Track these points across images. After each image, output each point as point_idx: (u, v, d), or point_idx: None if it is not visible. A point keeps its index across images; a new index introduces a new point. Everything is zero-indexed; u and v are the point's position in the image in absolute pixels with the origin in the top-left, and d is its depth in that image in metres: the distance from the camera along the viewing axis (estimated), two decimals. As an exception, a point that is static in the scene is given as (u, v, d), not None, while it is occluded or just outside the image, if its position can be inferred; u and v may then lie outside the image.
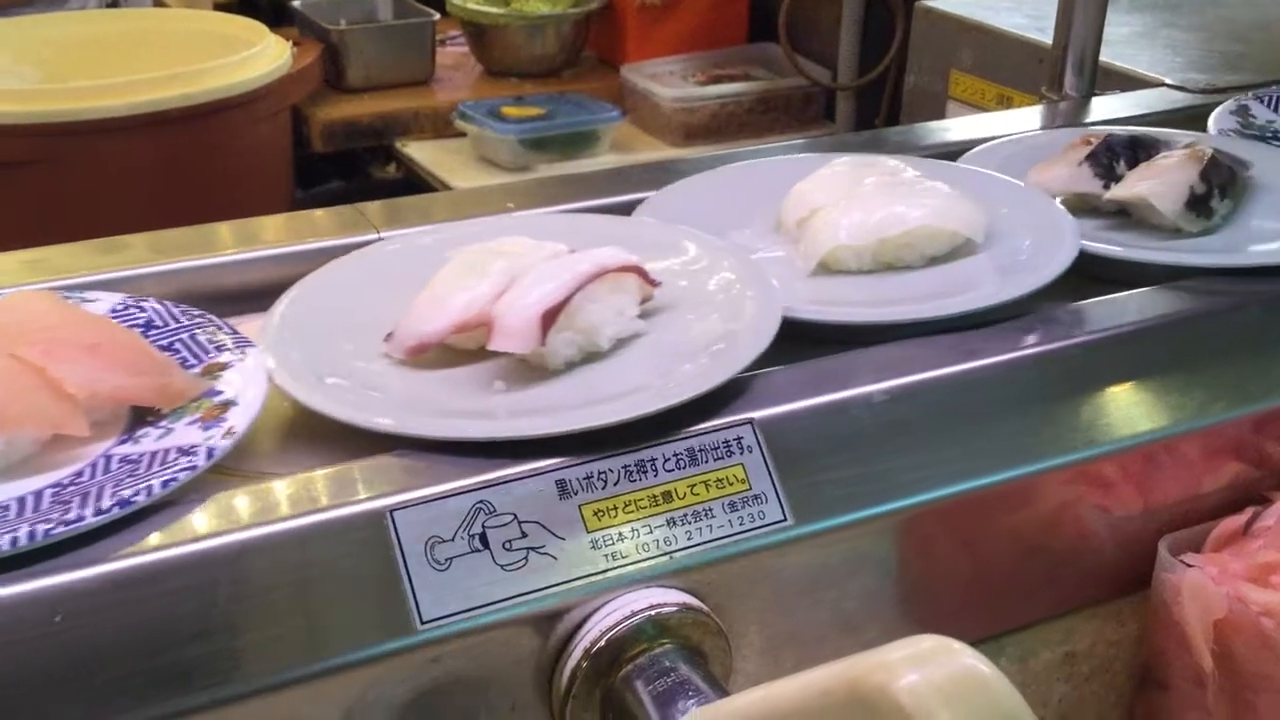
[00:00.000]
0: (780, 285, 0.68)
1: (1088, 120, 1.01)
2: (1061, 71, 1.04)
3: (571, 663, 0.52)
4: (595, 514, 0.54)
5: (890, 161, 0.82)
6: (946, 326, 0.66)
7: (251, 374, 0.58)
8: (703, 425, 0.57)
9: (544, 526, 0.53)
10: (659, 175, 0.85)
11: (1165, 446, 0.65)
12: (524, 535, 0.53)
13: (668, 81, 1.95)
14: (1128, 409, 0.66)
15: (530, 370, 0.62)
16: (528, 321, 0.60)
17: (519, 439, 0.55)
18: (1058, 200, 0.81)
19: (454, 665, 0.51)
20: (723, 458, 0.57)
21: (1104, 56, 1.07)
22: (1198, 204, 0.79)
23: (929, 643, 0.37)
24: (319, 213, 0.83)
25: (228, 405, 0.56)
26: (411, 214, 0.80)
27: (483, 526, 0.52)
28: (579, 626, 0.53)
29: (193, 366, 0.60)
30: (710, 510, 0.56)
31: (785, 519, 0.56)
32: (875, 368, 0.62)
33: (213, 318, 0.64)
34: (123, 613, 0.47)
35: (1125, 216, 0.81)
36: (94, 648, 0.46)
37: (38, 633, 0.45)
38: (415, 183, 1.82)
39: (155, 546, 0.48)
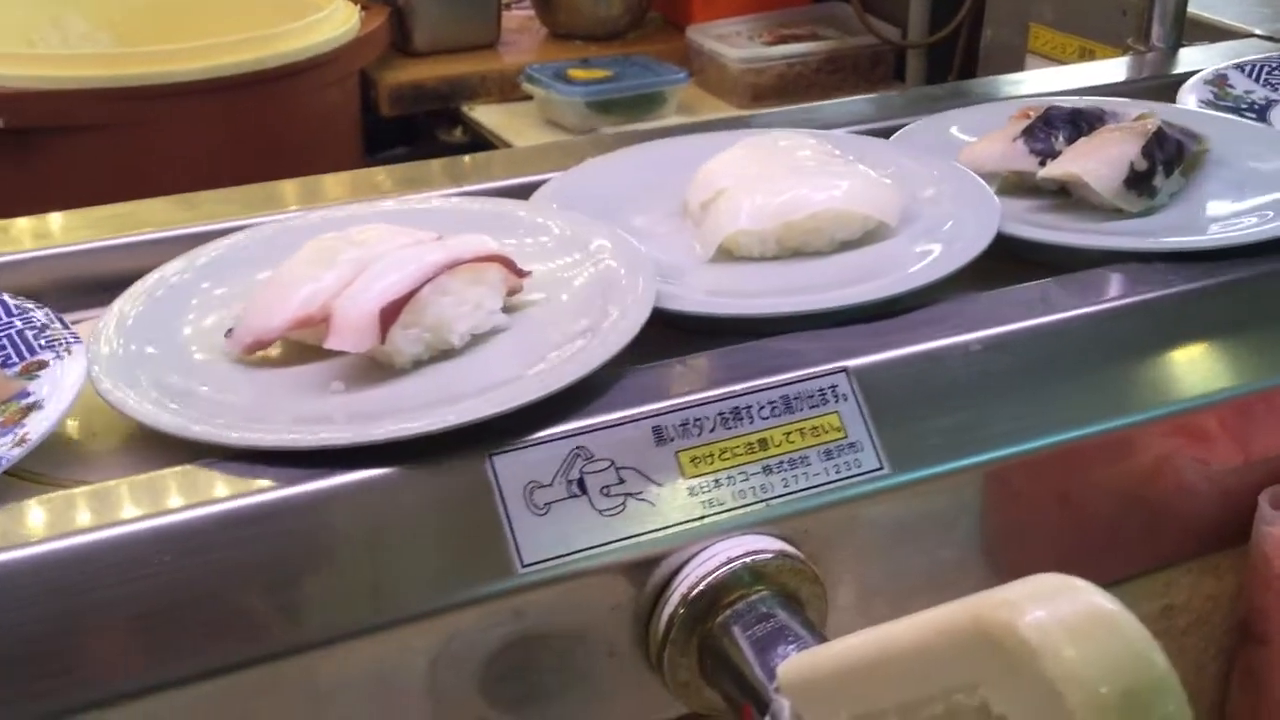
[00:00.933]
0: (676, 273, 0.65)
1: (1175, 71, 0.98)
2: (1149, 22, 1.01)
3: (669, 609, 0.52)
4: (692, 460, 0.54)
5: (810, 139, 0.77)
6: (850, 318, 0.61)
7: (66, 375, 0.54)
8: (797, 373, 0.57)
9: (641, 473, 0.53)
10: (739, 127, 0.85)
11: (1265, 398, 0.64)
12: (621, 481, 0.53)
13: (734, 42, 1.93)
14: (1227, 360, 0.64)
15: (376, 369, 0.58)
16: (365, 317, 0.55)
17: (331, 448, 0.50)
18: (997, 178, 0.76)
19: (552, 609, 0.51)
20: (818, 405, 0.56)
21: (1192, 7, 1.05)
22: (1138, 182, 0.73)
23: (1052, 580, 0.36)
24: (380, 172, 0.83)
25: (30, 409, 0.52)
26: (474, 173, 0.81)
27: (580, 472, 0.52)
28: (676, 572, 0.52)
29: (13, 365, 0.56)
30: (806, 458, 0.55)
31: (881, 467, 0.56)
32: (973, 316, 0.61)
33: (49, 311, 0.60)
34: (235, 552, 0.47)
35: (1067, 196, 0.76)
36: (205, 585, 0.46)
37: (150, 570, 0.46)
38: (482, 146, 1.81)
39: (268, 488, 0.49)
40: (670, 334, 0.61)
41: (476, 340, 0.60)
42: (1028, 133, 0.77)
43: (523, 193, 0.76)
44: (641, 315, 0.58)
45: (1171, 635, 0.66)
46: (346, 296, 0.57)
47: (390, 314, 0.56)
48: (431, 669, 0.50)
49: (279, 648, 0.47)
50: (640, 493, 0.53)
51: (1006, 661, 0.35)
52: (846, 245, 0.69)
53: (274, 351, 0.60)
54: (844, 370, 0.57)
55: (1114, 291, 0.64)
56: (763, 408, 0.56)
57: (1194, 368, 0.64)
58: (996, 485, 0.58)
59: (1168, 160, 0.74)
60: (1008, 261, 0.68)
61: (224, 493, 0.49)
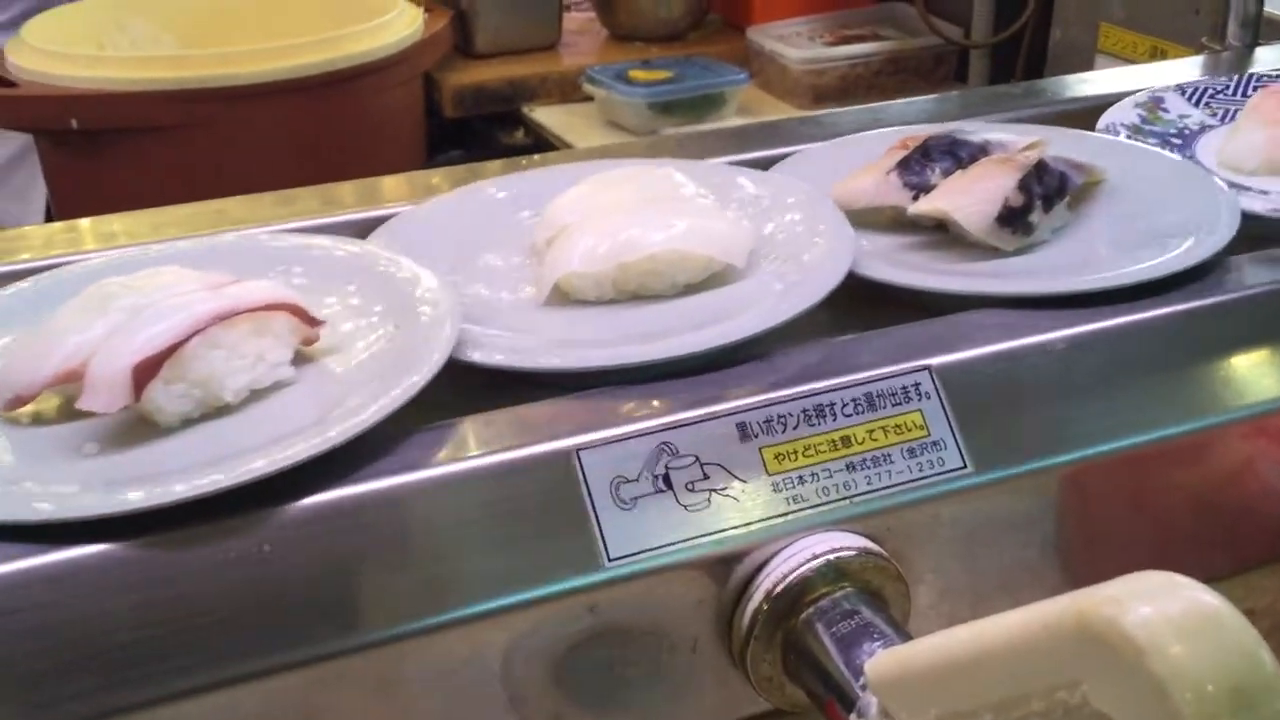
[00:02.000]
0: (510, 318, 0.63)
1: (1252, 71, 0.97)
2: (1224, 21, 1.00)
3: (753, 604, 0.52)
4: (776, 457, 0.54)
5: (668, 171, 0.72)
6: (673, 370, 0.57)
7: None
8: (880, 371, 0.57)
9: (725, 469, 0.53)
10: (785, 133, 0.85)
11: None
12: (706, 477, 0.53)
13: (795, 43, 1.92)
14: (1313, 361, 0.63)
15: (145, 427, 0.54)
16: (118, 374, 0.51)
17: (66, 520, 0.47)
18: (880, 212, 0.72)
19: (637, 604, 0.51)
20: (900, 403, 0.56)
21: (1270, 5, 1.04)
22: (1013, 219, 0.68)
23: (1156, 578, 0.36)
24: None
25: None
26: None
27: (666, 468, 0.52)
28: (760, 568, 0.53)
29: None
30: (889, 456, 0.55)
31: (965, 466, 0.56)
32: (1055, 316, 0.61)
33: None
34: (327, 544, 0.48)
35: (946, 231, 0.71)
36: (299, 576, 0.47)
37: (248, 560, 0.47)
38: (544, 147, 1.83)
39: (354, 481, 0.50)
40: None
41: (259, 395, 0.55)
42: (903, 165, 0.72)
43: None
44: (431, 371, 0.54)
45: (1255, 639, 0.65)
46: (103, 350, 0.52)
47: (146, 370, 0.52)
48: (520, 661, 0.50)
49: (371, 638, 0.48)
50: (724, 488, 0.53)
51: (1111, 658, 0.34)
52: (692, 288, 0.65)
53: (44, 406, 0.55)
54: (927, 368, 0.57)
55: (1203, 292, 0.63)
56: (846, 405, 0.56)
57: (1277, 369, 0.63)
58: (1078, 485, 0.58)
59: (1047, 195, 0.69)
60: (878, 302, 0.65)
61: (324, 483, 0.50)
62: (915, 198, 0.71)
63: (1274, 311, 0.64)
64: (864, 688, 0.47)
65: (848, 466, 0.55)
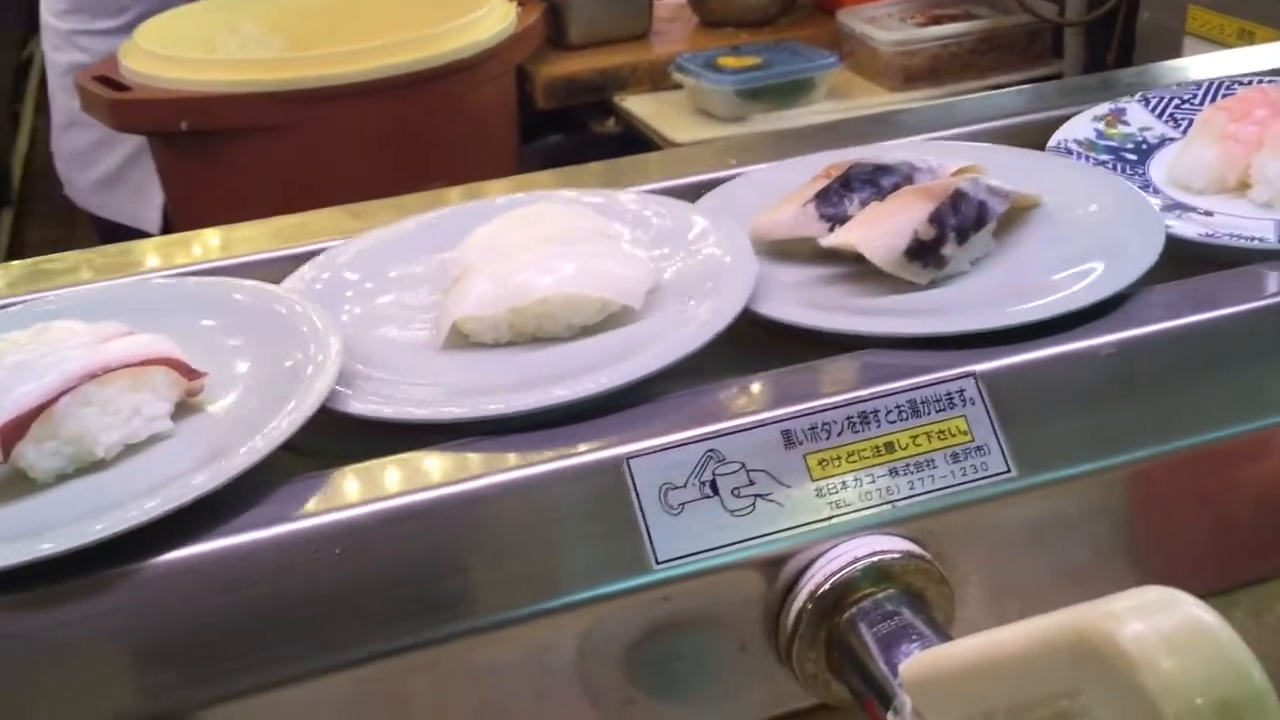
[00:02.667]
0: (412, 360, 0.64)
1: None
2: (1310, 3, 0.98)
3: (797, 605, 0.55)
4: (820, 463, 0.56)
5: (581, 208, 0.72)
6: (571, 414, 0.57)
7: None
8: (925, 378, 0.58)
9: (770, 475, 0.55)
10: (875, 127, 0.86)
11: None
12: (752, 483, 0.55)
13: (885, 24, 1.92)
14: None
15: (21, 482, 0.55)
16: None
17: None
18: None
19: (686, 605, 0.54)
20: (944, 409, 0.58)
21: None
22: (923, 252, 0.66)
23: (1155, 593, 0.38)
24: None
25: None
26: (631, 173, 0.84)
27: (713, 474, 0.55)
28: (804, 570, 0.55)
29: None
30: (932, 461, 0.57)
31: (1009, 470, 0.57)
32: (1101, 320, 0.62)
33: None
34: (394, 547, 0.52)
35: (864, 263, 0.68)
36: (367, 577, 0.51)
37: (321, 563, 0.51)
38: (634, 136, 1.85)
39: (419, 487, 0.53)
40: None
41: (135, 448, 0.56)
42: (821, 196, 0.70)
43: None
44: (302, 417, 0.56)
45: (1310, 638, 0.65)
46: None
47: (14, 431, 0.53)
48: (575, 657, 0.53)
49: (441, 633, 0.52)
50: (769, 494, 0.55)
51: (1107, 671, 0.36)
52: (591, 329, 0.64)
53: None
54: (971, 375, 0.59)
55: (1248, 293, 0.64)
56: (890, 412, 0.58)
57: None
58: (1126, 488, 0.59)
59: (962, 226, 0.67)
60: (786, 337, 0.64)
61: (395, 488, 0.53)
62: (831, 229, 0.70)
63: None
64: (900, 687, 0.50)
65: (891, 471, 0.57)
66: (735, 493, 0.55)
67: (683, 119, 1.80)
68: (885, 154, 0.76)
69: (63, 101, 1.78)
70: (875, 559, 0.55)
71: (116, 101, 1.48)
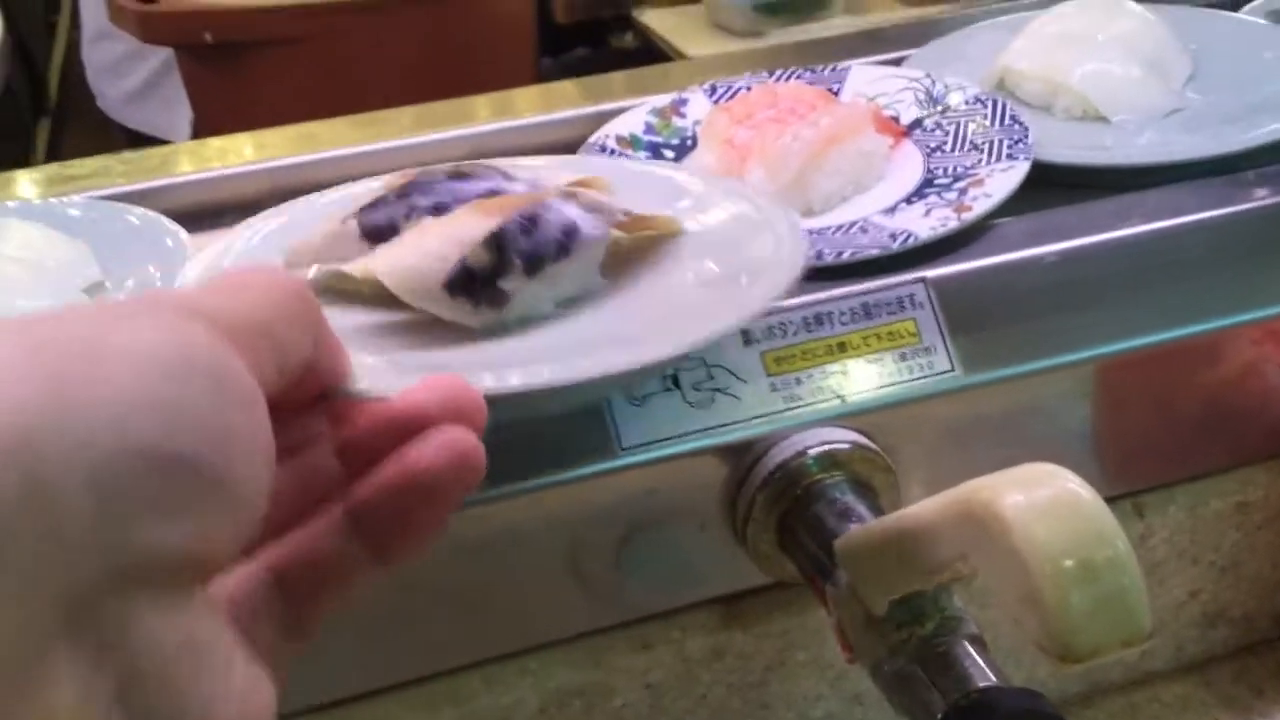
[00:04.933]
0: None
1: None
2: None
3: (752, 489, 0.59)
4: (775, 360, 0.61)
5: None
6: None
7: None
8: (877, 282, 0.62)
9: (729, 370, 0.60)
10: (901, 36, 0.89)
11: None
12: (711, 378, 0.60)
13: (904, -62, 1.92)
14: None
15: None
16: None
17: None
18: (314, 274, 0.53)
19: (649, 488, 0.59)
20: (895, 312, 0.62)
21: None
22: (472, 286, 0.50)
23: (1037, 469, 0.42)
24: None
25: None
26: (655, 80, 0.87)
27: (675, 369, 0.60)
28: (759, 459, 0.60)
29: None
30: (881, 360, 0.61)
31: (953, 369, 0.62)
32: (1048, 229, 0.66)
33: None
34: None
35: None
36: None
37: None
38: (652, 50, 1.87)
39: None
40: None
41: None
42: (371, 208, 0.54)
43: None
44: None
45: (1245, 529, 0.70)
46: None
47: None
48: (545, 538, 0.58)
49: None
50: (728, 388, 0.60)
51: (988, 535, 0.41)
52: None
53: None
54: (922, 280, 0.63)
55: (1191, 205, 0.67)
56: (844, 314, 0.62)
57: (1271, 279, 0.66)
58: (1060, 389, 0.63)
59: (536, 254, 0.51)
60: None
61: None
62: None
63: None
64: (837, 564, 0.55)
65: (842, 369, 0.61)
66: (696, 386, 0.59)
67: (700, 34, 1.82)
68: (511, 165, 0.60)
69: (93, 13, 1.82)
70: (825, 448, 0.59)
71: (144, 13, 1.52)
